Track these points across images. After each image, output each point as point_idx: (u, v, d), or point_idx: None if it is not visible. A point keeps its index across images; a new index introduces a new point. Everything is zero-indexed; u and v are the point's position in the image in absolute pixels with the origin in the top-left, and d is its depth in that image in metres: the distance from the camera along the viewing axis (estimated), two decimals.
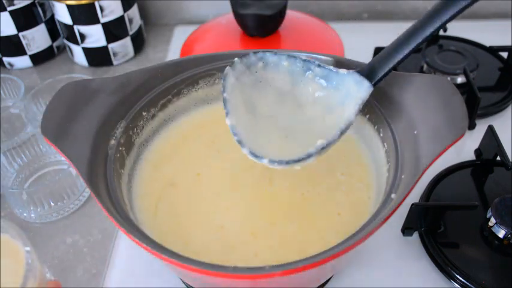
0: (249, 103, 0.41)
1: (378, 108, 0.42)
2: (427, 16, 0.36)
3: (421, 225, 0.47)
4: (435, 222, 0.47)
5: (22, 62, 0.76)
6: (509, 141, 0.56)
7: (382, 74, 0.38)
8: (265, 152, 0.37)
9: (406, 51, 0.37)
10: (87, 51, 0.74)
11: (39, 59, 0.77)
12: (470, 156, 0.56)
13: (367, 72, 0.39)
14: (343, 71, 0.40)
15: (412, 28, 0.36)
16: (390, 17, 0.83)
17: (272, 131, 0.40)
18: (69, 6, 0.69)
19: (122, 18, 0.72)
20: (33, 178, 0.58)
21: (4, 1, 0.68)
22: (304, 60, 0.41)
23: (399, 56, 0.37)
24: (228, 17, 0.68)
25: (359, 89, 0.39)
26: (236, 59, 0.41)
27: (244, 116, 0.40)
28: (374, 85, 0.38)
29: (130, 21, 0.75)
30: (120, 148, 0.42)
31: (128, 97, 0.43)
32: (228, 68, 0.40)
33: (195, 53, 0.64)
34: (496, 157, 0.53)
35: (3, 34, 0.72)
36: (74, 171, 0.52)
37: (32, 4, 0.72)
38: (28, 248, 0.34)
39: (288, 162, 0.37)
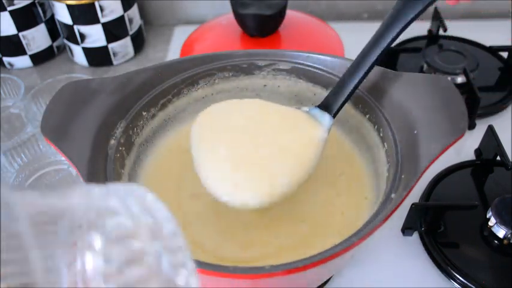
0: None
1: (378, 108, 0.42)
2: (368, 46, 0.39)
3: (421, 225, 0.47)
4: (435, 222, 0.47)
5: (22, 62, 0.76)
6: (509, 141, 0.56)
7: (337, 108, 0.41)
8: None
9: (353, 83, 0.40)
10: (87, 51, 0.74)
11: (39, 59, 0.77)
12: (470, 156, 0.56)
13: (326, 106, 0.42)
14: (304, 108, 0.42)
15: (357, 58, 0.40)
16: None
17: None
18: (69, 6, 0.69)
19: (121, 18, 0.72)
20: (33, 178, 0.58)
21: (4, 1, 0.68)
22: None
23: (349, 89, 0.40)
24: (228, 17, 0.68)
25: (322, 122, 0.41)
26: None
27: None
28: (334, 116, 0.41)
29: (130, 21, 0.75)
30: (120, 148, 0.42)
31: (127, 97, 0.43)
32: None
33: (195, 53, 0.64)
34: (496, 157, 0.53)
35: (3, 34, 0.72)
36: (74, 171, 0.52)
37: (32, 4, 0.72)
38: None
39: None
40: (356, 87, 0.40)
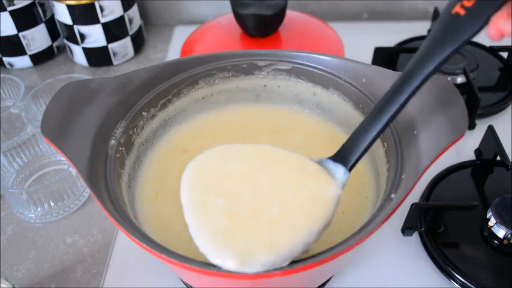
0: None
1: None
2: (389, 94, 0.34)
3: (421, 225, 0.47)
4: (435, 222, 0.47)
5: (22, 62, 0.76)
6: (509, 141, 0.56)
7: (354, 160, 0.36)
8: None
9: (374, 132, 0.35)
10: (87, 51, 0.74)
11: (39, 59, 0.77)
12: (470, 156, 0.56)
13: (340, 157, 0.36)
14: (316, 159, 0.37)
15: (378, 106, 0.35)
16: (390, 17, 0.83)
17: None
18: (69, 6, 0.69)
19: (121, 18, 0.72)
20: (33, 178, 0.58)
21: (4, 1, 0.68)
22: None
23: (369, 138, 0.35)
24: (228, 17, 0.68)
25: (335, 175, 0.36)
26: None
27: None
28: (350, 170, 0.36)
29: (130, 21, 0.75)
30: (120, 148, 0.42)
31: (127, 97, 0.43)
32: None
33: (195, 53, 0.64)
34: (496, 157, 0.53)
35: (3, 34, 0.72)
36: (74, 171, 0.52)
37: (32, 4, 0.72)
38: None
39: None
40: (377, 136, 0.35)
